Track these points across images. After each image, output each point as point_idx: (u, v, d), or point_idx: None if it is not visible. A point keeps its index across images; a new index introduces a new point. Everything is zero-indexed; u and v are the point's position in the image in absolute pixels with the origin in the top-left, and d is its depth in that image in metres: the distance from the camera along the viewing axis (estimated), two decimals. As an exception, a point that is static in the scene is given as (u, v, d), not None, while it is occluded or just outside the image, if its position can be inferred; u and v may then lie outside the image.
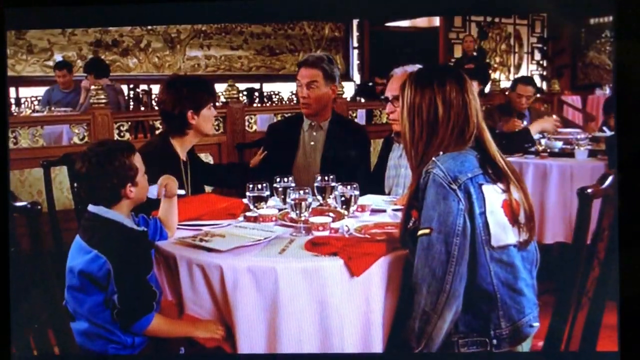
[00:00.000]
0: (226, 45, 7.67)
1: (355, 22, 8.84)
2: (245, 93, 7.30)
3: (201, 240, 1.73)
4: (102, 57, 6.80)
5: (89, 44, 6.76)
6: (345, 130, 2.67)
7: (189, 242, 1.72)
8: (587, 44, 10.23)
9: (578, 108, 6.36)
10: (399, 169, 2.44)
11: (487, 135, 1.55)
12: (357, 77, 8.87)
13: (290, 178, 2.15)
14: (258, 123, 4.55)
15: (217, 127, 4.11)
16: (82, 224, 1.63)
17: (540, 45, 10.63)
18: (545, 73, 10.73)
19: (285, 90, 7.99)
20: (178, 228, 1.90)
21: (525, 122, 4.27)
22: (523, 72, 10.54)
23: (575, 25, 10.08)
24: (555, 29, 10.51)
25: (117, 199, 1.64)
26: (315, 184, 2.13)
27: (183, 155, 2.33)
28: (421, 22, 10.73)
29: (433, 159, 1.49)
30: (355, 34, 8.86)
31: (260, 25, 7.84)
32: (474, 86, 3.46)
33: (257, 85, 7.89)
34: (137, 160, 1.69)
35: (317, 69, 2.58)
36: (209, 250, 1.66)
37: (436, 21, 10.61)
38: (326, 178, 2.14)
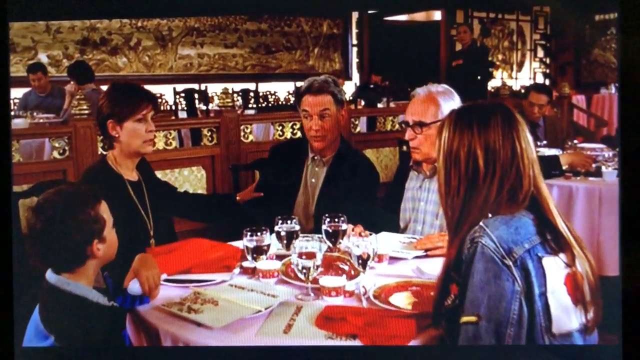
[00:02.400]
0: (220, 43, 7.33)
1: (354, 18, 8.52)
2: (239, 94, 6.99)
3: (189, 309, 1.42)
4: (90, 56, 6.46)
5: (76, 43, 6.41)
6: (349, 169, 2.30)
7: (175, 313, 1.42)
8: (591, 41, 9.95)
9: (590, 112, 6.07)
10: (418, 203, 2.14)
11: (545, 191, 1.25)
12: (355, 76, 8.56)
13: (295, 220, 1.84)
14: (254, 131, 4.24)
15: (210, 138, 3.81)
16: (40, 295, 1.33)
17: (543, 42, 10.34)
18: (548, 71, 10.45)
19: (281, 89, 7.69)
20: (162, 284, 1.60)
21: (539, 133, 3.99)
22: (526, 69, 10.26)
23: (579, 21, 9.80)
24: (559, 25, 10.23)
25: (81, 260, 1.34)
26: (324, 227, 1.83)
27: (129, 175, 2.01)
28: (419, 16, 10.44)
29: (481, 224, 1.19)
30: (355, 30, 8.53)
31: (255, 22, 7.51)
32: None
33: (252, 85, 7.57)
34: (104, 210, 1.39)
35: (326, 94, 2.24)
36: (198, 324, 1.36)
37: (434, 15, 10.32)
38: (336, 220, 1.84)
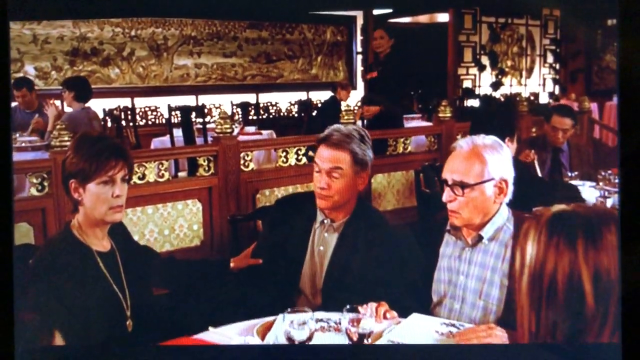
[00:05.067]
0: (218, 52, 6.95)
1: (359, 24, 8.16)
2: (238, 106, 6.62)
3: None
4: (80, 67, 6.10)
5: (65, 53, 6.03)
6: (364, 236, 1.93)
7: None
8: (603, 46, 9.60)
9: (614, 130, 5.70)
10: (457, 276, 1.78)
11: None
12: (360, 85, 8.19)
13: (311, 316, 1.47)
14: (255, 154, 3.87)
15: (206, 168, 3.44)
16: None
17: (553, 47, 9.97)
18: (558, 77, 10.09)
19: (283, 100, 7.32)
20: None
21: (563, 159, 3.63)
22: (535, 76, 9.89)
23: (590, 26, 9.46)
24: (570, 30, 9.88)
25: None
26: (345, 323, 1.47)
27: (98, 244, 1.69)
28: (423, 18, 10.11)
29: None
30: (359, 37, 8.16)
31: (255, 30, 7.14)
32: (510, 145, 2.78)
33: (252, 96, 7.21)
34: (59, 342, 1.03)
35: (344, 150, 1.88)
36: None
37: (438, 17, 9.99)
38: (362, 313, 1.47)
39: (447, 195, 1.72)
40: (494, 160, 1.68)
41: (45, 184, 3.02)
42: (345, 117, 3.93)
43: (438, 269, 1.84)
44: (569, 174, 3.42)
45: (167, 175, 3.33)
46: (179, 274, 1.95)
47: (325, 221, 1.94)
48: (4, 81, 1.81)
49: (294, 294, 1.93)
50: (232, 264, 1.96)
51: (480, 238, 1.73)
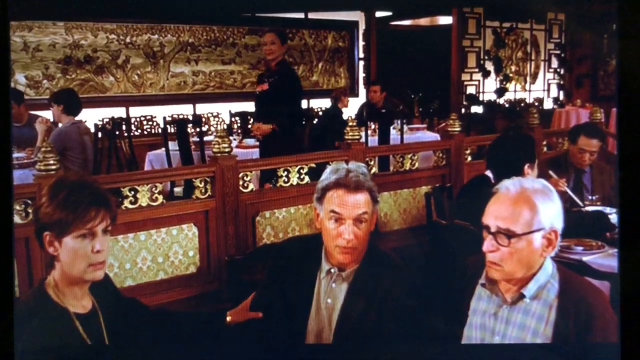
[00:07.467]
0: (216, 59, 6.74)
1: (361, 29, 7.95)
2: (234, 114, 6.40)
3: None
4: (73, 75, 5.88)
5: (57, 62, 5.81)
6: (377, 284, 1.72)
7: None
8: (609, 51, 9.41)
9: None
10: (492, 336, 1.56)
11: None
12: (362, 92, 7.98)
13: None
14: (254, 178, 3.64)
15: (203, 190, 3.22)
16: None
17: (558, 52, 9.77)
18: (562, 82, 9.89)
19: (283, 108, 7.10)
20: None
21: (585, 181, 3.41)
22: (539, 81, 9.69)
23: (596, 31, 9.28)
24: (575, 35, 9.69)
25: None
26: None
27: (77, 305, 1.49)
28: (424, 21, 9.94)
29: None
30: (361, 43, 7.95)
31: (255, 36, 6.92)
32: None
33: (252, 104, 6.98)
34: None
35: (363, 191, 1.67)
36: None
37: (439, 20, 9.81)
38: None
39: (488, 244, 1.50)
40: (545, 207, 1.47)
41: (29, 210, 2.79)
42: (350, 134, 3.71)
43: (469, 325, 1.63)
44: (590, 198, 3.20)
45: (160, 198, 3.11)
46: (168, 326, 1.73)
47: (333, 270, 1.72)
48: (4, 83, 1.79)
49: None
50: (228, 318, 1.75)
51: (521, 296, 1.51)
